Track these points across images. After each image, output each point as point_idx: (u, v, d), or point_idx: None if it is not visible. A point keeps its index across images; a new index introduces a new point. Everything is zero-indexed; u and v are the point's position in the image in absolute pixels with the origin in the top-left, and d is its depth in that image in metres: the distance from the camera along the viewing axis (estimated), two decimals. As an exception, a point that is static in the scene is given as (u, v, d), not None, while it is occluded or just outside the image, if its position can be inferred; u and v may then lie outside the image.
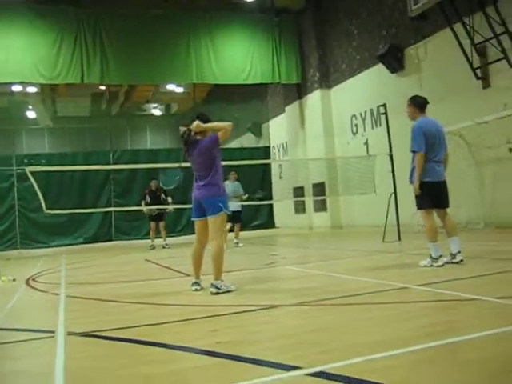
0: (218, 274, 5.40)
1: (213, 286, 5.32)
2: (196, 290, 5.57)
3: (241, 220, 13.31)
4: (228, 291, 5.31)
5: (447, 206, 6.31)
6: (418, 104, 6.43)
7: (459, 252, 6.05)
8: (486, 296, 3.99)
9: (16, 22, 16.06)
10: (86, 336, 3.75)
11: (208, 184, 5.51)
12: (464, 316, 3.57)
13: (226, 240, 11.87)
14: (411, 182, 6.28)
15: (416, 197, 6.24)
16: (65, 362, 3.06)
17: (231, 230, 13.14)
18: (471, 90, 12.17)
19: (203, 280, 5.68)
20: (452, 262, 6.03)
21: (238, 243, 12.86)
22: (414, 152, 6.19)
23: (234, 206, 12.29)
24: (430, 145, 6.13)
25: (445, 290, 4.48)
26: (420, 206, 6.28)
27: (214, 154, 5.55)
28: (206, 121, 5.67)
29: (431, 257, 6.05)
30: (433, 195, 6.15)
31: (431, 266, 5.99)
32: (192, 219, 5.76)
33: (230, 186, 12.20)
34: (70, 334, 3.84)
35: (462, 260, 6.00)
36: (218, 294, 5.23)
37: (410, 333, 3.16)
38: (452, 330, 3.26)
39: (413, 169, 6.24)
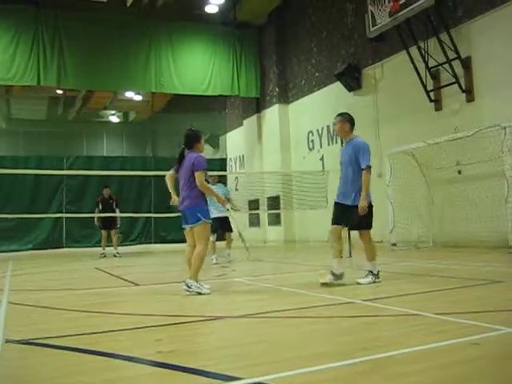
0: (194, 274, 5.78)
1: (185, 283, 5.75)
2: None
3: (231, 228, 11.04)
4: (199, 293, 5.65)
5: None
6: (353, 122, 6.37)
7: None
8: (426, 312, 4.09)
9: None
10: (24, 344, 3.65)
11: (189, 195, 5.88)
12: (404, 330, 3.64)
13: (214, 250, 10.62)
14: (353, 203, 6.03)
15: (363, 217, 6.00)
16: (-1, 369, 2.98)
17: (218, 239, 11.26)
18: (424, 112, 12.52)
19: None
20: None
21: (229, 254, 10.93)
22: (368, 167, 5.94)
23: (219, 211, 10.30)
24: None
25: (388, 305, 4.57)
26: (369, 226, 6.22)
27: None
28: (196, 137, 6.04)
29: (373, 274, 6.16)
30: (371, 216, 6.20)
31: (374, 282, 6.09)
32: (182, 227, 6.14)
33: (215, 188, 9.40)
34: (7, 341, 3.72)
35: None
36: (187, 291, 5.66)
37: (350, 346, 3.20)
38: (391, 343, 3.31)
39: (355, 188, 6.04)
